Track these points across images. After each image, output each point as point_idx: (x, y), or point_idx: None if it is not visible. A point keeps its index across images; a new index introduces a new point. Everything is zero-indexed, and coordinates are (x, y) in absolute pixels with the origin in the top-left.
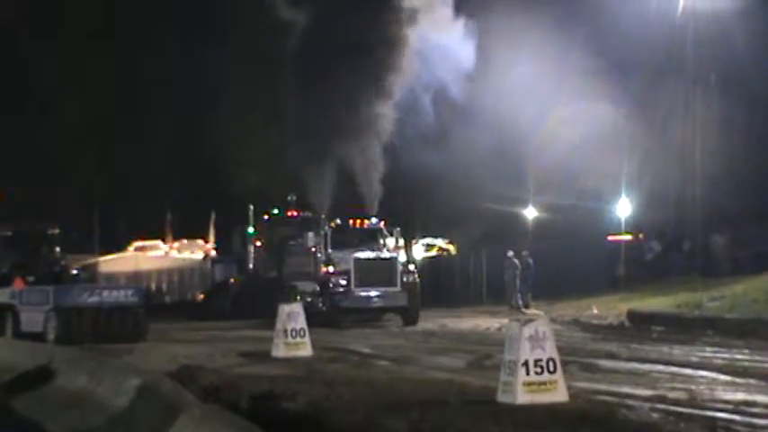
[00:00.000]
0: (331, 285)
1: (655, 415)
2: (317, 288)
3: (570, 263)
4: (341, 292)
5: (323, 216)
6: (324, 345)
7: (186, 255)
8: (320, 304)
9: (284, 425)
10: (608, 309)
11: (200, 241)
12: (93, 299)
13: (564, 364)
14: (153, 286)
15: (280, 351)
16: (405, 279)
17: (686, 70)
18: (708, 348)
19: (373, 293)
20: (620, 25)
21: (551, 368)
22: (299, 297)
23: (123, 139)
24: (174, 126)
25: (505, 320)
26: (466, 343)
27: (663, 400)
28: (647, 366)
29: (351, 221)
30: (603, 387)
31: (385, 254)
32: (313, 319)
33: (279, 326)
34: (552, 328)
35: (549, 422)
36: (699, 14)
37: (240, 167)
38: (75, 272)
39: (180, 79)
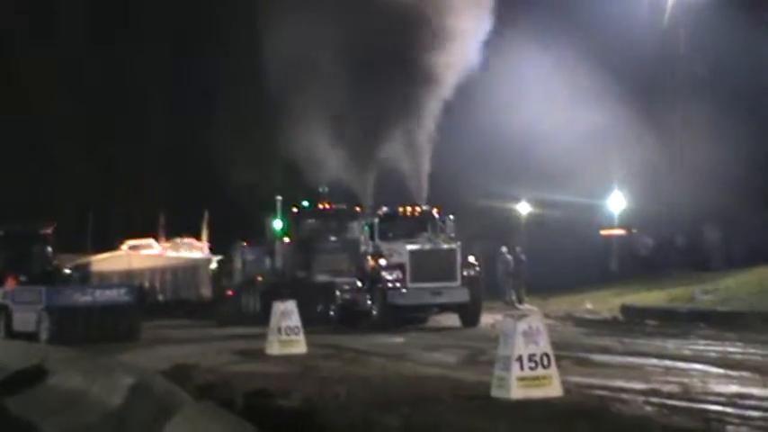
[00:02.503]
0: (383, 281)
1: (648, 408)
2: (359, 284)
3: (564, 258)
4: (395, 288)
5: (365, 207)
6: (318, 342)
7: (181, 253)
8: (368, 302)
9: (279, 422)
10: (602, 303)
11: (194, 240)
12: (86, 298)
13: (558, 358)
14: (147, 285)
15: (274, 349)
16: (465, 273)
17: (676, 67)
18: (701, 342)
19: (431, 289)
20: (612, 26)
21: (545, 363)
22: (338, 292)
23: (117, 138)
24: (167, 124)
25: (499, 316)
26: (460, 339)
27: (656, 393)
28: (640, 360)
29: (400, 209)
30: (597, 381)
31: (443, 245)
32: (352, 318)
33: (273, 323)
34: (546, 323)
35: (544, 417)
36: (689, 11)
37: (235, 165)
38: (67, 271)
39: (175, 77)
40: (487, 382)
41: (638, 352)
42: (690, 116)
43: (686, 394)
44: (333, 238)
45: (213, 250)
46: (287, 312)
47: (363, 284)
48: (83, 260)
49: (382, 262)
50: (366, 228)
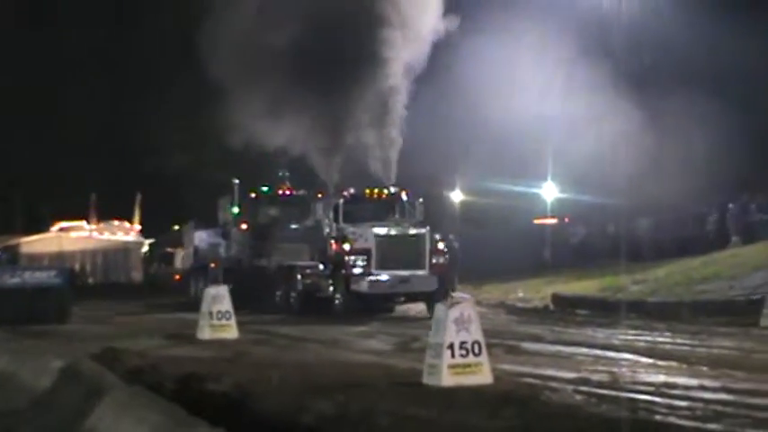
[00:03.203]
0: (346, 267)
1: (578, 397)
2: (322, 268)
3: (497, 246)
4: (358, 275)
5: (327, 191)
6: (250, 328)
7: (112, 236)
8: (330, 289)
9: (209, 407)
10: (534, 292)
11: (126, 223)
12: (15, 280)
13: (489, 346)
14: (77, 267)
15: (205, 333)
16: (434, 260)
17: (614, 53)
18: (631, 331)
19: (398, 277)
20: (560, 13)
21: (476, 351)
22: (299, 277)
23: (48, 118)
24: (100, 105)
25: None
26: (393, 326)
27: (586, 382)
28: (570, 349)
29: (367, 190)
30: (528, 369)
31: (411, 229)
32: (317, 306)
33: (204, 308)
34: (478, 310)
35: (474, 404)
36: None
37: (170, 148)
38: None
39: (109, 57)
40: (420, 369)
41: (569, 341)
42: (625, 105)
43: (615, 383)
44: (293, 226)
45: (145, 233)
46: (218, 297)
47: (326, 269)
48: (12, 241)
49: (346, 247)
50: (329, 210)
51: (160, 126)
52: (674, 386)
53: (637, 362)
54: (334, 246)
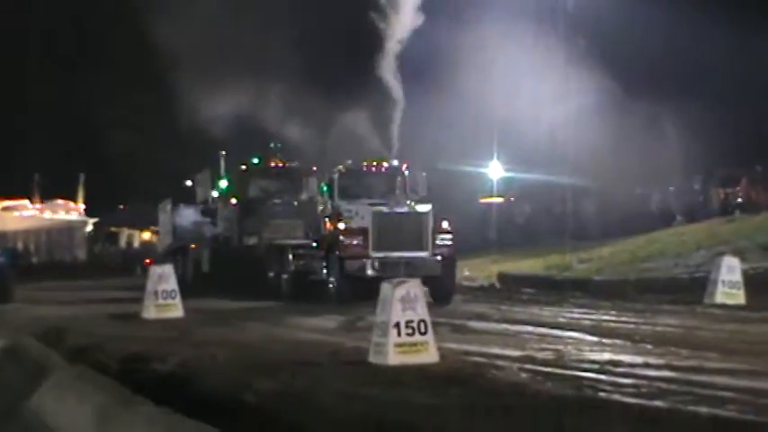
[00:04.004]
0: (341, 247)
1: (523, 375)
2: (315, 248)
3: None
4: (355, 257)
5: (322, 165)
6: (196, 307)
7: (56, 215)
8: (323, 272)
9: (154, 386)
10: (480, 271)
11: (70, 202)
12: None
13: (435, 325)
14: (21, 246)
15: (150, 313)
16: (438, 241)
17: (557, 33)
18: (576, 310)
19: (398, 259)
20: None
21: (422, 329)
22: (290, 257)
23: None
24: (44, 83)
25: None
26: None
27: (531, 360)
28: (516, 327)
29: (364, 163)
30: (474, 348)
31: (413, 207)
32: (309, 290)
33: (149, 287)
34: (424, 289)
35: (419, 382)
36: None
37: (114, 128)
38: None
39: (56, 34)
40: (366, 347)
41: (515, 319)
42: (570, 85)
43: (560, 361)
44: (286, 201)
45: (89, 213)
46: (164, 276)
47: (320, 250)
48: None
49: (341, 225)
50: (324, 185)
51: (105, 106)
52: (619, 364)
53: (582, 340)
54: (328, 224)
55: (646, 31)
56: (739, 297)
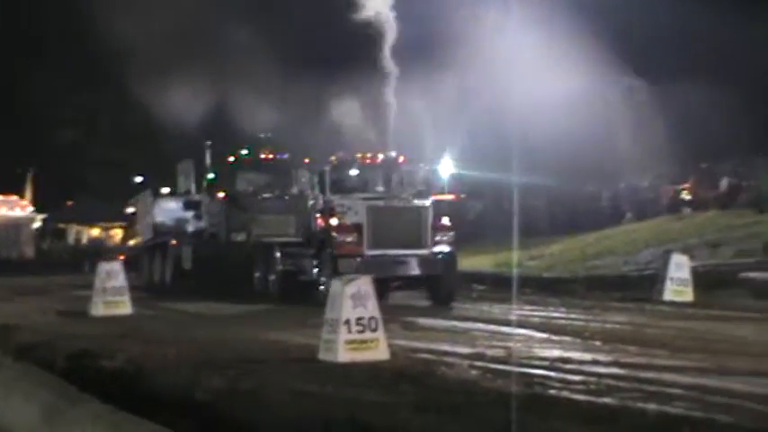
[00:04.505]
0: (334, 245)
1: (473, 372)
2: (305, 246)
3: None
4: (348, 255)
5: (314, 157)
6: (146, 304)
7: (2, 211)
8: (314, 271)
9: (101, 383)
10: None
11: (17, 198)
12: None
13: (385, 322)
14: None
15: (99, 310)
16: (437, 238)
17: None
18: (526, 307)
19: (394, 258)
20: None
21: (373, 326)
22: (278, 255)
23: None
24: None
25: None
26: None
27: (481, 357)
28: (467, 324)
29: (358, 155)
30: (423, 345)
31: (411, 202)
32: (299, 291)
33: (98, 284)
34: (374, 286)
35: (369, 379)
36: None
37: (62, 124)
38: None
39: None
40: (316, 345)
41: (465, 316)
42: (520, 79)
43: (510, 358)
44: (276, 195)
45: (37, 209)
46: (112, 273)
47: (310, 248)
48: None
49: (333, 221)
50: (315, 178)
51: (54, 102)
52: (568, 361)
53: (531, 337)
54: (319, 220)
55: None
56: (687, 294)
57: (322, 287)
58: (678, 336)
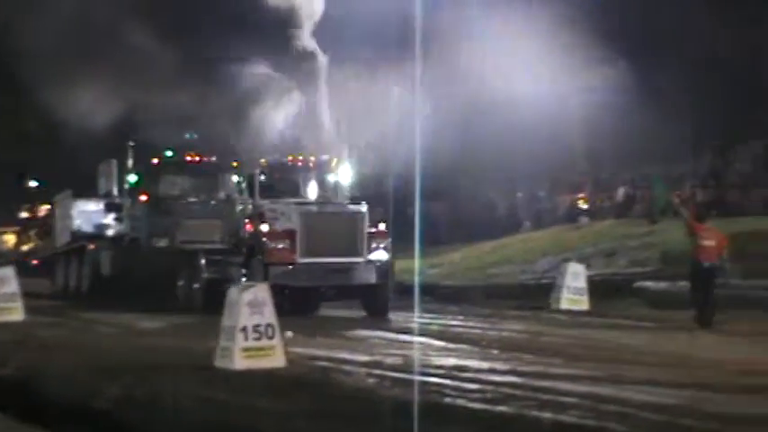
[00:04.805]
0: (264, 252)
1: (370, 380)
2: (235, 254)
3: None
4: (280, 263)
5: (243, 161)
6: (40, 310)
7: None
8: (243, 280)
9: None
10: None
11: None
12: None
13: (283, 329)
14: None
15: None
16: (374, 245)
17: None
18: (426, 315)
19: (329, 266)
20: None
21: (270, 334)
22: (203, 262)
23: None
24: None
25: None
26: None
27: (379, 365)
28: (365, 332)
29: (289, 157)
30: (321, 353)
31: (346, 207)
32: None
33: None
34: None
35: (265, 387)
36: None
37: None
38: None
39: None
40: (213, 352)
41: (363, 324)
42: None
43: (407, 366)
44: (202, 200)
45: None
46: (4, 279)
47: (238, 255)
48: None
49: (264, 227)
50: (243, 182)
51: None
52: (465, 369)
53: (430, 345)
54: (248, 226)
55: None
56: (583, 303)
57: None
58: (574, 344)
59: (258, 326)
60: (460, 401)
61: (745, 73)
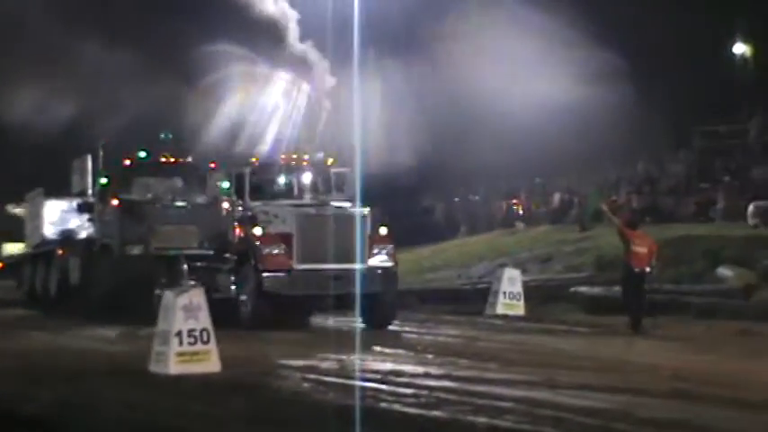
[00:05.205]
0: (258, 258)
1: (306, 384)
2: (221, 260)
3: None
4: (276, 270)
5: (222, 161)
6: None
7: None
8: (232, 287)
9: None
10: None
11: None
12: None
13: (219, 334)
14: None
15: None
16: (376, 250)
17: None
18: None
19: (328, 273)
20: None
21: (205, 338)
22: (185, 269)
23: None
24: None
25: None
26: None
27: (314, 369)
28: (300, 336)
29: (282, 156)
30: (257, 357)
31: (346, 210)
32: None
33: None
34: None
35: (200, 392)
36: None
37: None
38: None
39: None
40: (147, 356)
41: (299, 328)
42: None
43: (343, 371)
44: (179, 203)
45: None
46: None
47: (226, 261)
48: None
49: (257, 231)
50: (227, 183)
51: None
52: (401, 374)
53: (365, 349)
54: (238, 230)
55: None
56: (519, 308)
57: (244, 307)
58: (509, 349)
59: (193, 330)
60: (396, 406)
61: (681, 81)
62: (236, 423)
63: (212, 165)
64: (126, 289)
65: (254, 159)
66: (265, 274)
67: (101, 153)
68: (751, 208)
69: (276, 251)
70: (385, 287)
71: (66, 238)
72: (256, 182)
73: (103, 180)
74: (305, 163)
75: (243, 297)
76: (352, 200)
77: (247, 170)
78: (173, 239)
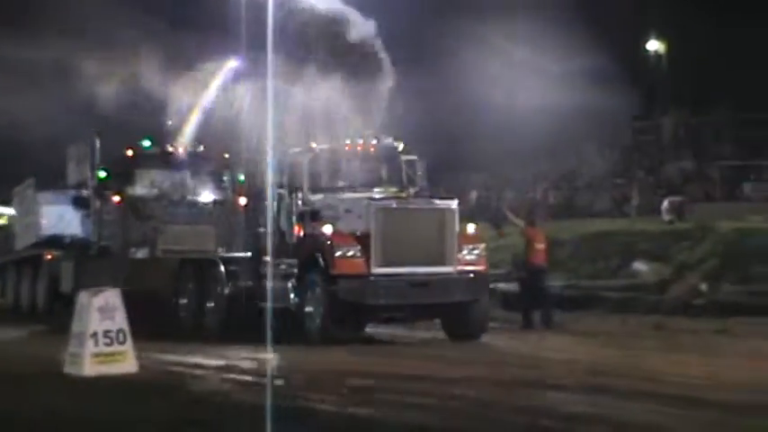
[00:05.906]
0: (330, 261)
1: (224, 384)
2: (257, 266)
3: None
4: (352, 275)
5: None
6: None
7: None
8: (292, 297)
9: None
10: None
11: None
12: None
13: (135, 335)
14: None
15: None
16: (465, 251)
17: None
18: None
19: (411, 278)
20: None
21: (121, 339)
22: (222, 273)
23: None
24: None
25: None
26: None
27: (232, 369)
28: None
29: (347, 141)
30: (175, 358)
31: (433, 203)
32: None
33: None
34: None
35: (116, 393)
36: None
37: None
38: None
39: None
40: (62, 358)
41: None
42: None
43: (260, 371)
44: (189, 199)
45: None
46: None
47: (288, 266)
48: None
49: (327, 229)
50: (285, 174)
51: None
52: (321, 372)
53: (285, 350)
54: (297, 228)
55: None
56: None
57: (309, 321)
58: (429, 347)
59: (109, 331)
60: (313, 404)
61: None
62: (154, 425)
63: (226, 156)
64: (132, 297)
65: (314, 145)
66: (340, 280)
67: (96, 143)
68: (665, 204)
69: (351, 252)
70: (475, 295)
71: (56, 238)
72: (316, 171)
73: (102, 174)
74: (372, 149)
75: (308, 309)
76: (423, 192)
77: (306, 159)
78: (183, 241)
